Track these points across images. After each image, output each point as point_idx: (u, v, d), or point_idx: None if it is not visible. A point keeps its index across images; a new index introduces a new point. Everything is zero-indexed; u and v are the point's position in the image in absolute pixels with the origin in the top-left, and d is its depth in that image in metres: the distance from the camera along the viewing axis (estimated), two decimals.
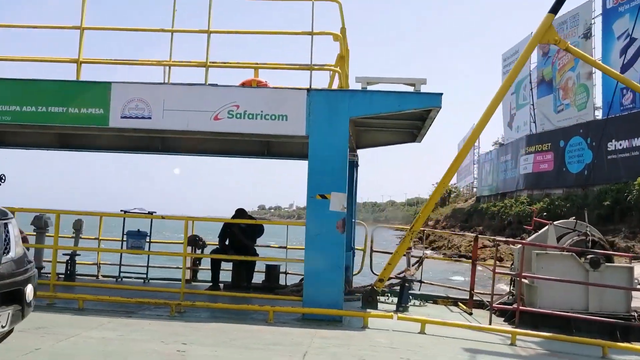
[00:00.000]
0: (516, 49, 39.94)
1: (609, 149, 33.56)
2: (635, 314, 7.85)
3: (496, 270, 8.14)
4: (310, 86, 7.26)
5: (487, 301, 8.02)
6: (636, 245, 28.23)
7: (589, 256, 7.88)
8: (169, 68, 7.99)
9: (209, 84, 7.38)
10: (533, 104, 39.08)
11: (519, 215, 34.08)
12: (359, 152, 10.12)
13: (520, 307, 7.68)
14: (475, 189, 46.93)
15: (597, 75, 36.14)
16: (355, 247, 9.81)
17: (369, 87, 7.38)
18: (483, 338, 6.65)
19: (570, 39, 36.89)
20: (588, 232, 8.22)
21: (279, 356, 5.28)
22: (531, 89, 38.91)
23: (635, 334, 7.73)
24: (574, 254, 7.93)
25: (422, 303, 8.80)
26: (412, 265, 9.78)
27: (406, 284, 8.15)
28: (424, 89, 7.24)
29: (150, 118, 7.31)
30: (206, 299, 8.12)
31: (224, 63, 7.67)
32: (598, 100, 36.27)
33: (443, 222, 43.62)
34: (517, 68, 8.19)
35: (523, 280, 8.31)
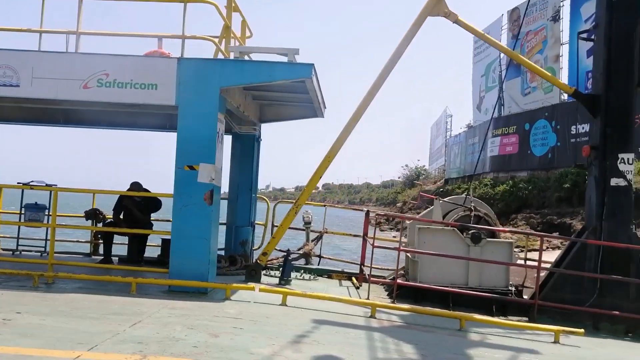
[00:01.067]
0: (487, 30, 39.76)
1: (572, 132, 33.68)
2: (513, 289, 7.89)
3: (379, 245, 8.14)
4: (182, 55, 7.11)
5: (367, 275, 8.01)
6: None
7: (470, 231, 7.89)
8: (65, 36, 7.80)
9: (79, 52, 7.20)
10: (501, 87, 39.05)
11: (482, 198, 34.19)
12: (266, 126, 10.03)
13: (398, 282, 7.69)
14: (445, 171, 47.17)
15: (564, 59, 36.15)
16: (257, 222, 9.76)
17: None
18: (344, 310, 6.63)
19: (540, 21, 36.82)
20: (472, 208, 8.21)
21: (107, 325, 5.21)
22: (500, 72, 38.85)
23: (513, 309, 7.78)
24: (455, 229, 7.93)
25: (313, 277, 8.79)
26: (312, 241, 9.77)
27: (289, 258, 8.12)
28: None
29: (18, 86, 7.14)
30: (99, 272, 8.00)
31: (96, 32, 7.49)
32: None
33: (410, 204, 43.80)
34: (405, 43, 8.05)
35: (408, 255, 8.34)
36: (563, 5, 35.48)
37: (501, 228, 8.25)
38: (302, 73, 6.98)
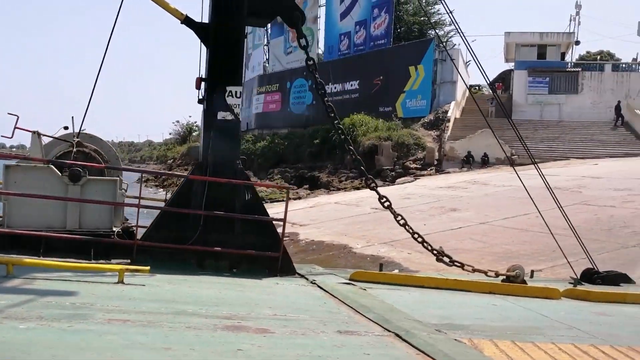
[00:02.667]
0: None
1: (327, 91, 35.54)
2: (117, 231, 7.34)
3: None
4: None
5: None
6: (334, 179, 30.59)
7: (70, 169, 7.08)
8: None
9: None
10: (267, 45, 39.52)
11: (244, 153, 34.41)
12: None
13: None
14: None
15: (322, 21, 37.76)
16: None
17: None
18: None
19: None
20: (74, 142, 7.42)
21: None
22: (266, 30, 39.12)
23: (122, 251, 7.22)
24: (52, 166, 7.06)
25: None
26: None
27: None
28: None
29: None
30: None
31: None
32: (322, 44, 38.04)
33: (179, 160, 42.60)
34: None
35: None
36: None
37: (103, 165, 7.58)
38: None
